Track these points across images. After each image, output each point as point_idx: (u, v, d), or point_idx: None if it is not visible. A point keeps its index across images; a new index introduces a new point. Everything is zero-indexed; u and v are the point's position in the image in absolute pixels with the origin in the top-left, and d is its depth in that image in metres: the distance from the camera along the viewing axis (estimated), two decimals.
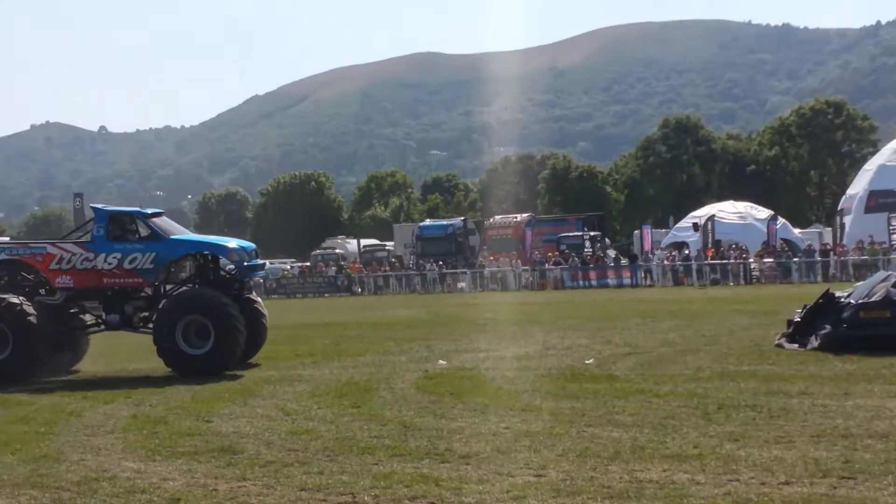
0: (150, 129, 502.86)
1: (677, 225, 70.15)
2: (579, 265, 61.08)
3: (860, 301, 20.94)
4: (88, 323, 23.20)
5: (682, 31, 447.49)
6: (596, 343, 24.15)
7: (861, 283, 24.65)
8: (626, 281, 58.09)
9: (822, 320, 21.40)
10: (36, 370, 20.92)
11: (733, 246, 59.18)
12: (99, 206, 22.91)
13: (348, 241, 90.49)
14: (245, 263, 22.45)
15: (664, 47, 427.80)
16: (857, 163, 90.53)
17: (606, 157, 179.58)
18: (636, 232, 73.10)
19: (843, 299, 21.73)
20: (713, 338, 24.41)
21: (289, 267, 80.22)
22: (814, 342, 20.88)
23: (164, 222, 22.80)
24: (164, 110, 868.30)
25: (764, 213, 66.60)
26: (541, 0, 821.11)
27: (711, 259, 57.58)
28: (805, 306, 22.57)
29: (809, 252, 58.73)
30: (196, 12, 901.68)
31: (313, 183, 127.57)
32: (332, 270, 69.44)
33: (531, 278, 61.04)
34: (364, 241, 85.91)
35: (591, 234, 69.88)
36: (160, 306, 21.90)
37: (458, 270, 64.38)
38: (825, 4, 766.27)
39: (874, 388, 15.47)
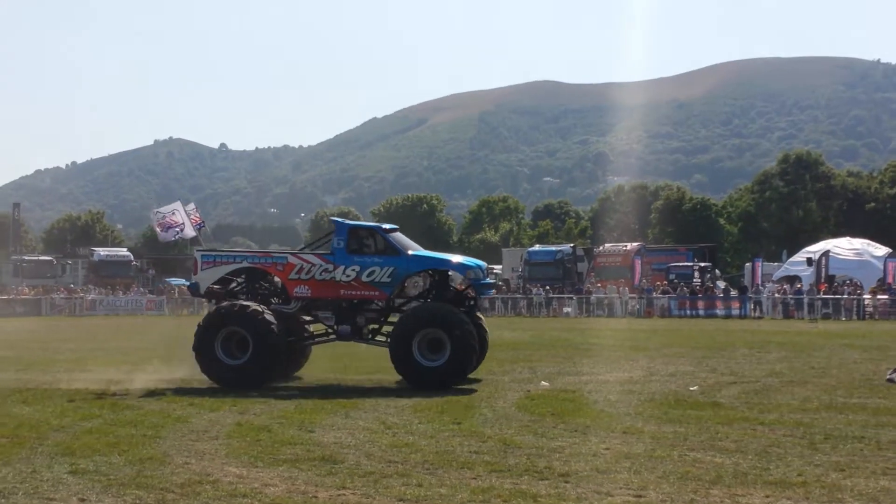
0: (269, 147, 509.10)
1: (791, 259, 69.08)
2: (687, 295, 60.43)
3: None
4: (318, 332, 23.64)
5: (807, 68, 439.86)
6: (701, 371, 23.92)
7: None
8: (735, 312, 57.34)
9: None
10: (271, 376, 21.46)
11: (847, 281, 58.00)
12: (339, 219, 23.61)
13: None
14: (480, 281, 22.87)
15: (788, 83, 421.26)
16: None
17: (721, 189, 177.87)
18: (747, 264, 72.18)
19: None
20: (822, 370, 24.00)
21: None
22: None
23: (401, 238, 23.29)
24: (283, 130, 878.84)
25: (882, 250, 65.20)
26: (665, 33, 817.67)
27: (824, 294, 56.50)
28: None
29: None
30: (317, 38, 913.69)
31: (425, 205, 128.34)
32: None
33: (638, 305, 60.59)
34: None
35: (701, 264, 69.22)
36: (399, 319, 22.05)
37: (565, 295, 64.14)
38: None
39: None
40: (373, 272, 21.88)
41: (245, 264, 22.71)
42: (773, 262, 75.60)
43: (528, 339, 37.52)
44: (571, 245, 78.89)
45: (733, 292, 61.74)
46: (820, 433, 14.29)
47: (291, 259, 22.35)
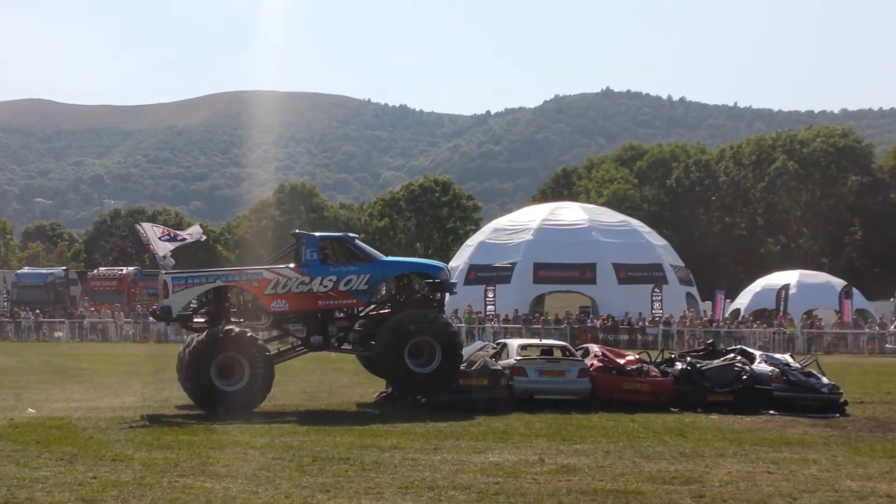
0: None
1: None
2: None
3: (461, 369, 21.90)
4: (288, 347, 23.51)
5: (303, 103, 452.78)
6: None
7: None
8: None
9: None
10: (262, 398, 20.82)
11: None
12: (306, 232, 23.04)
13: None
14: (449, 281, 23.67)
15: (285, 116, 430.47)
16: (460, 238, 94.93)
17: (221, 217, 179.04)
18: None
19: None
20: (313, 394, 24.67)
21: None
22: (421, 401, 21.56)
23: (365, 245, 23.23)
24: None
25: None
26: (164, 58, 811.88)
27: None
28: None
29: None
30: None
31: None
32: None
33: (133, 330, 59.63)
34: None
35: None
36: (387, 326, 21.77)
37: (56, 319, 61.94)
38: (441, 91, 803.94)
39: (461, 444, 16.19)
40: (350, 280, 21.74)
41: (219, 283, 21.76)
42: None
43: (16, 365, 35.90)
44: (64, 268, 76.67)
45: None
46: (308, 455, 14.65)
47: (266, 274, 21.66)
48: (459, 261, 67.64)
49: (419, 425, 18.45)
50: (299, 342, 22.83)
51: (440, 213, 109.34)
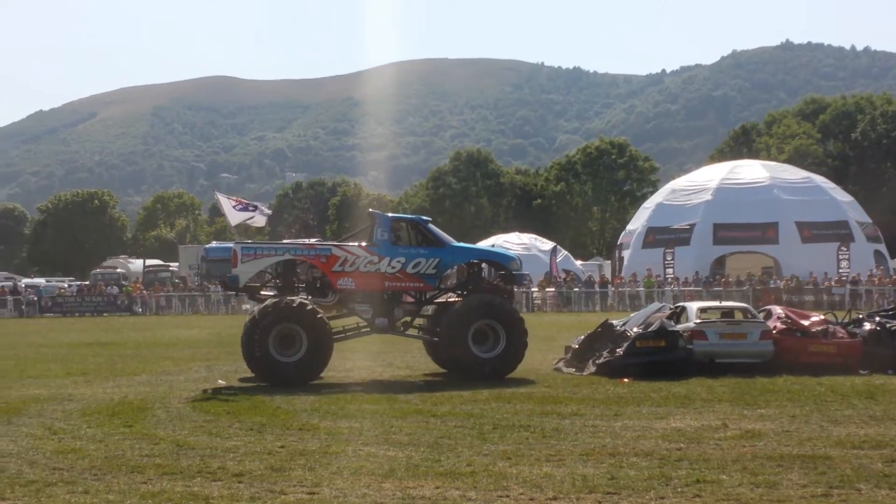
0: None
1: None
2: None
3: (637, 331, 21.65)
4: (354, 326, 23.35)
5: (476, 69, 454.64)
6: (377, 365, 24.38)
7: (636, 312, 25.54)
8: None
9: (599, 347, 22.07)
10: (320, 371, 20.99)
11: None
12: (379, 212, 23.10)
13: (131, 260, 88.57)
14: (521, 272, 23.54)
15: (458, 83, 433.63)
16: (638, 201, 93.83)
17: (398, 186, 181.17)
18: None
19: (619, 328, 22.46)
20: None
21: (66, 285, 77.26)
22: (591, 367, 21.44)
23: (438, 230, 22.96)
24: None
25: (548, 244, 68.24)
26: (339, 31, 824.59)
27: None
28: (586, 334, 23.21)
29: (589, 283, 60.39)
30: None
31: (96, 201, 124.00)
32: (114, 290, 67.52)
33: None
34: (148, 262, 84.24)
35: None
36: (451, 311, 21.72)
37: None
38: (614, 51, 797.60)
39: (642, 410, 16.02)
40: (418, 264, 21.75)
41: (287, 256, 22.22)
42: None
43: (206, 338, 37.07)
44: (250, 241, 78.62)
45: None
46: (489, 423, 14.72)
47: (336, 251, 21.91)
48: (637, 223, 67.00)
49: (599, 392, 18.38)
50: (364, 323, 22.74)
51: (617, 175, 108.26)
